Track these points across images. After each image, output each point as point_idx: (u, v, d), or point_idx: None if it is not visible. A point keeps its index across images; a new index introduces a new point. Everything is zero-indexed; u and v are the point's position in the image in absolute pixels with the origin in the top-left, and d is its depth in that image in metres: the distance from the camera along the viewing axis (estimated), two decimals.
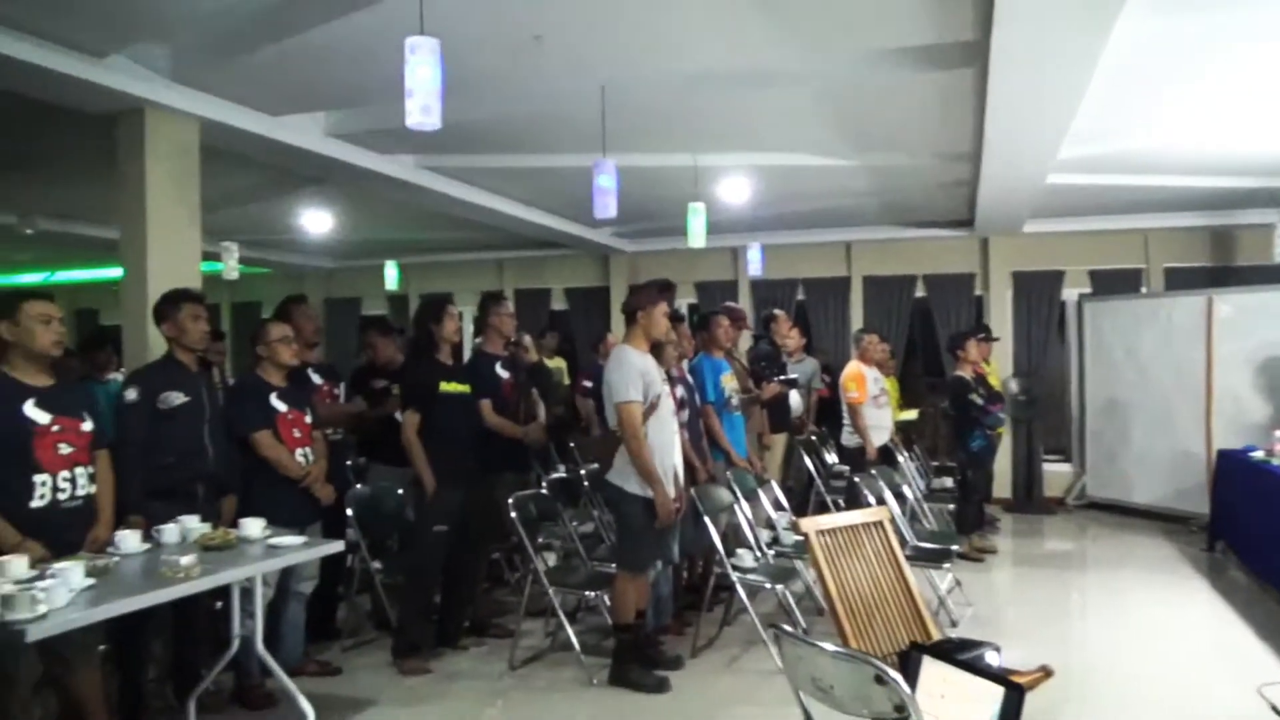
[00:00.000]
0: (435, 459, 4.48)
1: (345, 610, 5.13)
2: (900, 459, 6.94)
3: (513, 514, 4.56)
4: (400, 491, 4.95)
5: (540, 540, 4.93)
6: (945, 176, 7.15)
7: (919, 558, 4.87)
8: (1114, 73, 4.45)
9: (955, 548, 5.32)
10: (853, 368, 6.78)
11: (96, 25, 4.04)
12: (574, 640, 4.52)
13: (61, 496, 3.17)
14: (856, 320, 9.72)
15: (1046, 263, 9.28)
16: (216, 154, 5.16)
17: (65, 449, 3.20)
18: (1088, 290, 9.21)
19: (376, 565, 4.88)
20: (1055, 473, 9.35)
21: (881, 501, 5.27)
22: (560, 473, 6.20)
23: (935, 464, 8.45)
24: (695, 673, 4.49)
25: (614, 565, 4.57)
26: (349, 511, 4.75)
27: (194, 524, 3.56)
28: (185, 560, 3.09)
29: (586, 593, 4.76)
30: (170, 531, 3.45)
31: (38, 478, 3.11)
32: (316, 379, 4.92)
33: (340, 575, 5.01)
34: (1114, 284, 9.10)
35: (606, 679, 4.31)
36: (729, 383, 5.51)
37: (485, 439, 4.81)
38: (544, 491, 5.06)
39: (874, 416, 6.60)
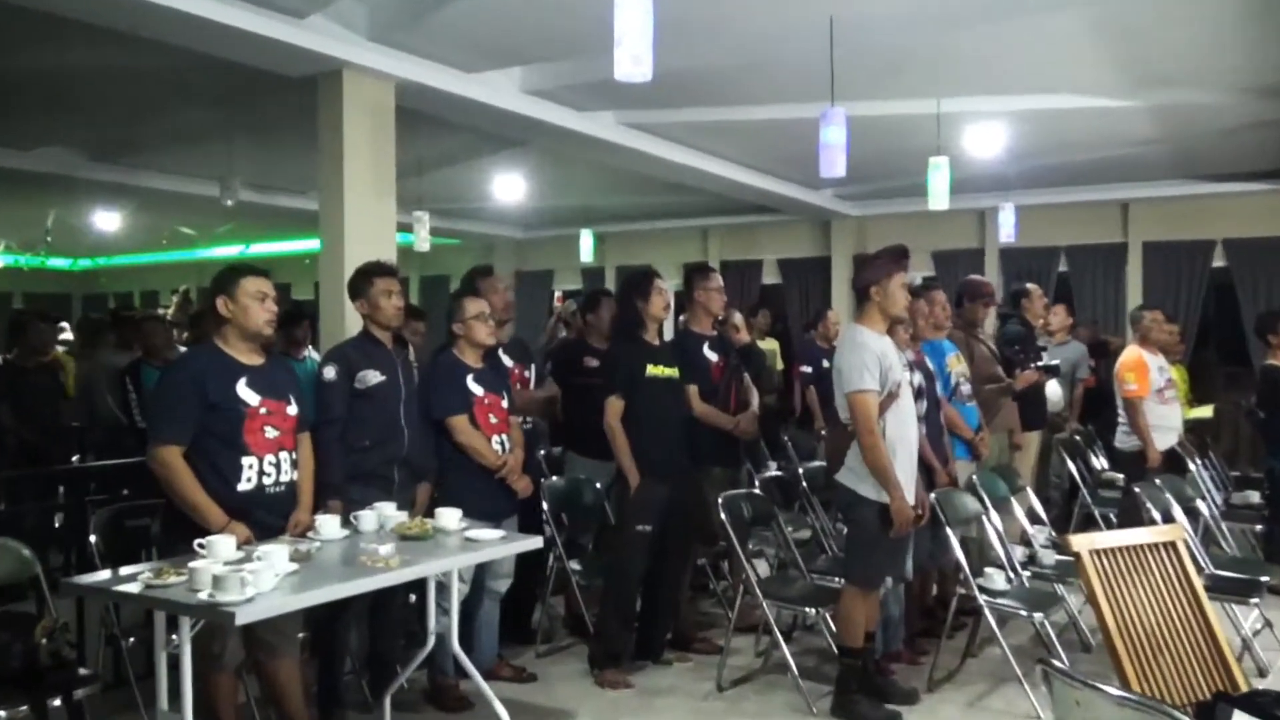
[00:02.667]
0: (640, 450, 4.55)
1: (540, 613, 5.35)
2: (1191, 467, 6.45)
3: (723, 515, 4.59)
4: (599, 485, 5.08)
5: (750, 546, 4.93)
6: (1253, 116, 6.62)
7: (1219, 589, 4.53)
8: None
9: (1265, 579, 4.91)
10: (1132, 354, 6.35)
11: None
12: (790, 662, 4.49)
13: (267, 481, 3.45)
14: (1134, 295, 9.18)
15: None
16: (408, 116, 5.47)
17: (271, 432, 3.47)
18: None
19: (574, 565, 5.04)
20: None
21: (1169, 518, 4.94)
22: (773, 470, 6.19)
23: (1236, 474, 7.80)
24: (931, 710, 4.37)
25: (837, 579, 4.52)
26: (544, 506, 4.90)
27: (391, 511, 3.81)
28: (385, 549, 3.33)
29: (805, 609, 4.72)
30: (368, 519, 3.72)
31: (245, 460, 3.39)
32: (507, 361, 4.97)
33: (537, 574, 5.19)
34: None
35: (829, 709, 4.27)
36: (955, 366, 5.30)
37: (692, 429, 4.86)
38: (757, 491, 5.07)
39: (1158, 414, 6.16)
